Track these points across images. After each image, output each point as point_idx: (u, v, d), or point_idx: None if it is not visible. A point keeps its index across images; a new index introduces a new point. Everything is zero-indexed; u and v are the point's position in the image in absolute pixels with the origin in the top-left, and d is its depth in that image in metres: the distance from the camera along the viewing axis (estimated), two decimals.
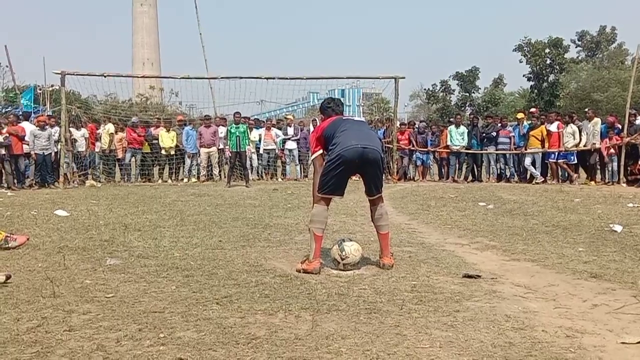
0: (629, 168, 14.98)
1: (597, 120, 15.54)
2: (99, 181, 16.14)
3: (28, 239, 6.23)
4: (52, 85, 27.40)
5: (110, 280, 4.52)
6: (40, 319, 3.49)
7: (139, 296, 4.03)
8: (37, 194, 12.88)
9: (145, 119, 19.81)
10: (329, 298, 3.97)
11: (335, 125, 4.99)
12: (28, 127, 15.23)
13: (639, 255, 5.50)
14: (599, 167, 15.39)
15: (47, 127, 15.00)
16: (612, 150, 14.88)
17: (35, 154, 14.67)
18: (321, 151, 5.04)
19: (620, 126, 15.23)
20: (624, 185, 14.40)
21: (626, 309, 3.73)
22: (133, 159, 16.90)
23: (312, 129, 18.11)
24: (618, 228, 7.01)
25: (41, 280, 4.48)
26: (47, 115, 17.10)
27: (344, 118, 5.19)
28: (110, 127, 16.76)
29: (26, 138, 14.75)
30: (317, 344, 3.05)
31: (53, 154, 15.00)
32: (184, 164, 17.17)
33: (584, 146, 15.19)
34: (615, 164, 14.90)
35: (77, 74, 15.96)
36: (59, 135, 15.14)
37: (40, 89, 28.68)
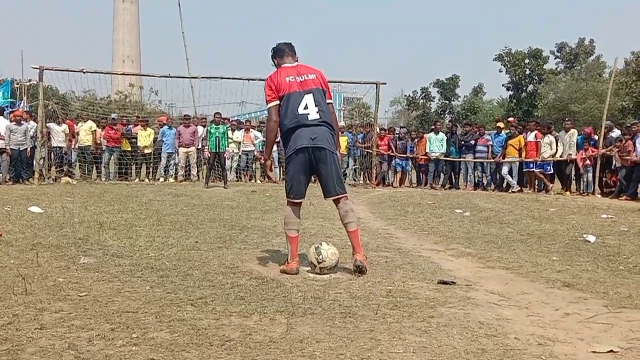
0: (603, 179, 15.21)
1: (574, 131, 15.76)
2: (75, 178, 15.96)
3: (1, 235, 6.16)
4: (29, 80, 27.05)
5: (84, 278, 4.47)
6: (11, 316, 3.44)
7: (112, 295, 3.99)
8: (11, 190, 12.71)
9: (124, 116, 19.65)
10: (304, 301, 3.97)
11: (285, 96, 4.94)
12: (2, 122, 15.03)
13: (611, 266, 5.58)
14: (574, 177, 15.60)
15: (23, 122, 14.81)
16: (587, 162, 15.09)
17: (11, 149, 14.48)
18: (277, 102, 4.97)
19: (596, 137, 15.45)
20: (599, 196, 14.60)
21: (597, 319, 3.77)
22: (112, 157, 16.75)
23: None
24: (591, 238, 7.11)
25: (13, 277, 4.41)
26: (24, 111, 16.88)
27: (295, 83, 4.97)
28: (93, 125, 16.60)
29: (1, 133, 14.55)
30: (291, 347, 3.04)
31: (29, 149, 14.82)
32: (160, 163, 17.07)
33: (560, 157, 15.38)
34: (590, 174, 15.12)
35: (55, 69, 15.79)
36: (36, 130, 14.96)
37: (17, 83, 28.30)
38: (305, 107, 4.88)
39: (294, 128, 4.86)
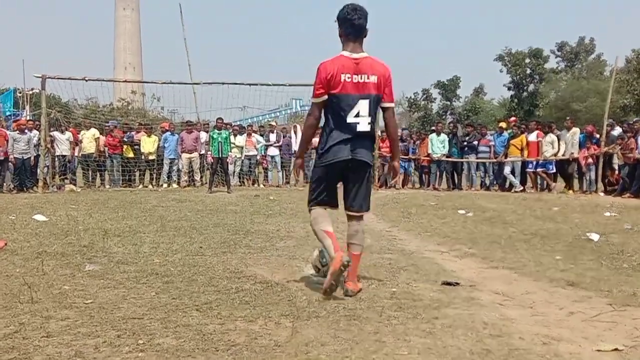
0: (607, 178, 15.20)
1: (576, 130, 15.76)
2: (79, 186, 16.00)
3: (6, 244, 6.18)
4: (32, 89, 27.13)
5: (89, 286, 4.48)
6: (18, 324, 3.46)
7: (118, 302, 4.00)
8: (16, 198, 12.75)
9: (126, 123, 19.70)
10: (309, 305, 3.98)
11: (337, 97, 4.21)
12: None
13: (615, 264, 5.58)
14: (577, 176, 15.59)
15: (26, 131, 14.86)
16: (590, 160, 15.08)
17: (15, 158, 14.52)
18: (325, 98, 4.25)
19: (598, 136, 15.45)
20: (602, 194, 14.59)
21: (602, 317, 3.78)
22: (112, 164, 16.81)
23: (294, 135, 18.16)
24: (595, 237, 7.10)
25: (19, 285, 4.43)
26: (27, 119, 16.95)
27: (351, 84, 4.20)
28: (96, 132, 16.66)
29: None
30: (296, 350, 3.05)
31: (32, 158, 14.86)
32: (162, 169, 17.11)
33: (563, 155, 15.37)
34: (593, 173, 15.11)
35: (58, 78, 15.86)
36: (39, 139, 15.01)
37: (19, 92, 28.38)
38: (357, 115, 4.20)
39: (338, 136, 4.22)
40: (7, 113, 21.82)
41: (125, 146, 16.86)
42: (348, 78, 4.17)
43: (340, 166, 4.26)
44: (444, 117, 48.43)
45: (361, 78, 4.19)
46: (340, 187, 4.47)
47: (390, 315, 3.73)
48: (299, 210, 10.22)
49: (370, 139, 4.34)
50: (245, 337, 3.26)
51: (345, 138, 4.21)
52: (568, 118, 17.59)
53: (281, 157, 17.89)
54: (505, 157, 16.02)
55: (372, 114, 4.25)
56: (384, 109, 4.40)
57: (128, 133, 17.43)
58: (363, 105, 4.20)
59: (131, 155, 16.94)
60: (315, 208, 4.43)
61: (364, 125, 4.22)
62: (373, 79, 4.21)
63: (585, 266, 5.46)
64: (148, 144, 16.89)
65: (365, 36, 4.29)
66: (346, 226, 4.50)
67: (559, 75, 46.67)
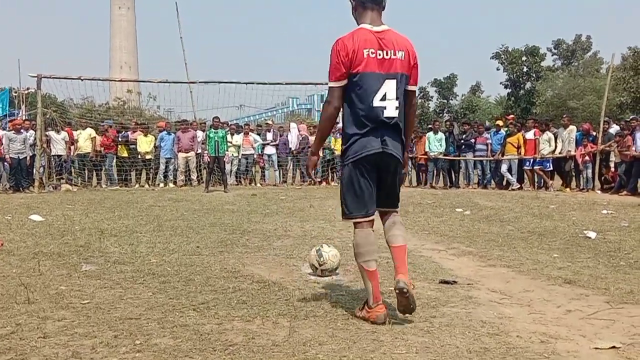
0: (603, 176, 15.22)
1: (573, 127, 15.77)
2: (75, 185, 15.97)
3: (2, 244, 6.16)
4: (27, 88, 27.05)
5: (86, 286, 4.47)
6: (15, 325, 3.45)
7: (114, 302, 3.99)
8: (12, 198, 12.72)
9: (121, 123, 19.66)
10: (306, 304, 3.97)
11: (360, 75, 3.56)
12: None
13: (613, 262, 5.59)
14: (574, 174, 15.60)
15: (22, 130, 14.82)
16: (586, 158, 15.09)
17: (10, 158, 14.49)
18: (345, 82, 3.60)
19: (595, 133, 15.47)
20: (599, 192, 14.61)
21: (599, 315, 3.78)
22: (106, 163, 16.79)
23: (290, 134, 18.14)
24: (592, 234, 7.11)
25: (15, 286, 4.42)
26: (23, 119, 16.91)
27: (375, 60, 3.57)
28: (92, 132, 16.63)
29: None
30: (294, 350, 3.05)
31: (28, 158, 14.83)
32: (159, 168, 17.07)
33: (560, 153, 15.39)
34: (589, 171, 15.12)
35: (53, 77, 15.83)
36: (35, 139, 14.97)
37: (15, 92, 28.30)
38: (383, 98, 3.57)
39: (363, 125, 3.58)
40: (3, 113, 21.74)
41: (119, 145, 16.81)
42: (372, 54, 3.53)
43: (372, 160, 3.59)
44: (441, 115, 48.49)
45: (386, 54, 3.56)
46: None
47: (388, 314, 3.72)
48: (296, 209, 10.22)
49: (399, 127, 3.66)
50: (242, 336, 3.26)
51: (373, 127, 3.56)
52: (565, 116, 17.61)
53: (278, 156, 17.88)
54: (502, 155, 16.02)
55: (400, 96, 3.62)
56: (408, 93, 3.73)
57: (123, 132, 17.38)
58: (390, 86, 3.57)
59: (125, 154, 16.88)
60: (361, 229, 3.72)
61: (391, 110, 3.58)
62: (400, 55, 3.59)
63: (583, 264, 5.47)
64: (144, 144, 16.85)
65: (384, 7, 3.72)
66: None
67: (556, 73, 46.72)
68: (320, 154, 18.13)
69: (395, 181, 3.82)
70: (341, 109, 3.69)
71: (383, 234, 3.88)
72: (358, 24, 3.68)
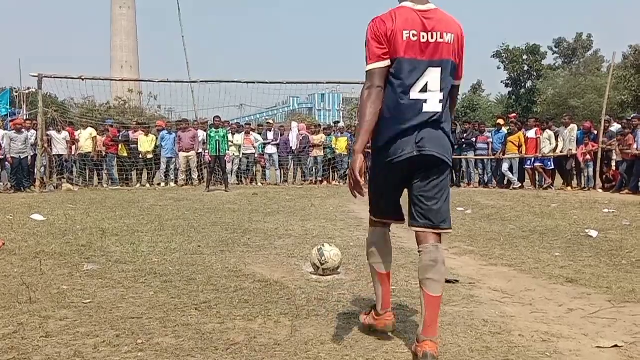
0: (604, 174, 15.21)
1: (574, 126, 15.75)
2: (76, 184, 15.98)
3: (4, 244, 6.17)
4: (28, 88, 27.06)
5: (88, 285, 4.48)
6: (17, 325, 3.45)
7: (116, 302, 3.99)
8: (13, 198, 12.72)
9: (122, 122, 19.67)
10: (308, 303, 3.97)
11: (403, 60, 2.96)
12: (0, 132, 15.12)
13: (614, 260, 5.58)
14: (575, 172, 15.59)
15: (23, 130, 14.83)
16: (588, 157, 15.08)
17: (12, 157, 14.50)
18: (387, 62, 2.98)
19: (596, 132, 15.46)
20: (600, 190, 14.60)
21: (601, 314, 3.78)
22: (107, 163, 16.80)
23: (292, 133, 18.14)
24: (594, 233, 7.11)
25: (17, 285, 4.42)
26: (24, 119, 16.92)
27: (418, 44, 2.96)
28: (93, 131, 16.63)
29: None
30: (296, 349, 3.05)
31: (29, 157, 14.84)
32: (159, 168, 17.07)
33: (561, 152, 15.38)
34: (591, 169, 15.11)
35: (54, 77, 15.83)
36: (36, 138, 14.98)
37: (16, 92, 28.31)
38: (424, 89, 2.98)
39: (398, 121, 2.98)
40: (4, 112, 21.77)
41: (120, 145, 16.80)
42: (414, 36, 2.94)
43: (402, 167, 3.03)
44: None
45: (432, 37, 2.96)
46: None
47: None
48: (297, 209, 10.22)
49: (443, 125, 3.04)
50: (244, 336, 3.26)
51: (409, 126, 2.97)
52: (566, 114, 17.60)
53: (279, 155, 17.87)
54: (503, 154, 16.02)
55: (445, 88, 3.02)
56: (454, 87, 3.13)
57: (123, 132, 17.38)
58: (433, 76, 2.98)
59: (125, 154, 16.87)
60: (375, 227, 3.34)
61: (433, 104, 2.98)
62: (448, 38, 2.99)
63: (584, 263, 5.46)
64: (146, 143, 16.86)
65: None
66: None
67: (557, 72, 46.74)
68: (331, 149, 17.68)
69: (437, 191, 3.06)
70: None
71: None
72: (400, 2, 3.08)
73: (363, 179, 2.98)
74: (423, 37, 2.95)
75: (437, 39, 2.97)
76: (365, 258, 5.48)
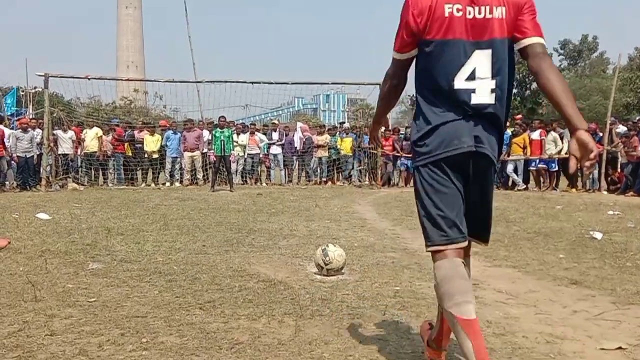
0: (609, 176, 15.17)
1: None
2: (82, 183, 16.02)
3: (9, 242, 6.19)
4: (34, 88, 27.18)
5: (93, 284, 4.49)
6: (22, 323, 3.47)
7: (121, 301, 4.01)
8: (19, 197, 12.76)
9: (128, 122, 19.71)
10: (312, 303, 3.98)
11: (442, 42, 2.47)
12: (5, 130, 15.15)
13: (619, 262, 5.57)
14: (580, 174, 15.54)
15: (29, 129, 14.88)
16: None
17: (17, 156, 14.55)
18: (414, 53, 2.59)
19: (601, 134, 15.42)
20: (605, 192, 14.56)
21: (605, 316, 3.77)
22: (113, 162, 16.85)
23: (296, 134, 18.16)
24: (598, 235, 7.09)
25: (22, 284, 4.44)
26: (30, 118, 16.99)
27: (462, 20, 2.46)
28: (98, 131, 16.68)
29: (4, 140, 14.62)
30: (300, 349, 3.06)
31: (35, 156, 14.89)
32: (164, 168, 17.10)
33: (566, 154, 15.34)
34: (596, 171, 15.07)
35: (60, 76, 15.89)
36: (42, 137, 15.04)
37: (22, 91, 28.43)
38: (471, 77, 2.48)
39: (440, 116, 2.52)
40: (11, 112, 21.85)
41: (125, 144, 16.85)
42: (458, 11, 2.44)
43: (458, 161, 2.50)
44: None
45: (479, 11, 2.45)
46: None
47: (394, 314, 3.74)
48: (301, 209, 10.23)
49: (497, 118, 2.54)
50: (248, 335, 3.27)
51: (455, 120, 2.49)
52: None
53: (283, 156, 17.88)
54: (508, 156, 15.99)
55: (499, 74, 2.50)
56: (527, 49, 2.49)
57: (129, 131, 17.43)
58: (481, 60, 2.47)
59: (130, 153, 16.91)
60: (443, 259, 2.51)
61: (482, 95, 2.48)
62: (498, 12, 2.46)
63: (589, 265, 5.45)
64: (151, 143, 16.90)
65: None
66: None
67: (562, 73, 46.43)
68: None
69: (488, 197, 2.68)
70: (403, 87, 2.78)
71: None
72: None
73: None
74: (469, 13, 2.45)
75: (485, 14, 2.46)
76: (369, 258, 5.56)
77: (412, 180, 3.21)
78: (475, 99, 2.47)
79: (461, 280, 2.44)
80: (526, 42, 2.48)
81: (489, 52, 2.47)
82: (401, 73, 2.70)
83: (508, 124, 14.99)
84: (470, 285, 2.50)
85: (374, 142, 3.31)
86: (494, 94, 2.49)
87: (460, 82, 2.47)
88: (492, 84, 2.49)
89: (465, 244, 2.56)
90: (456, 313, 2.36)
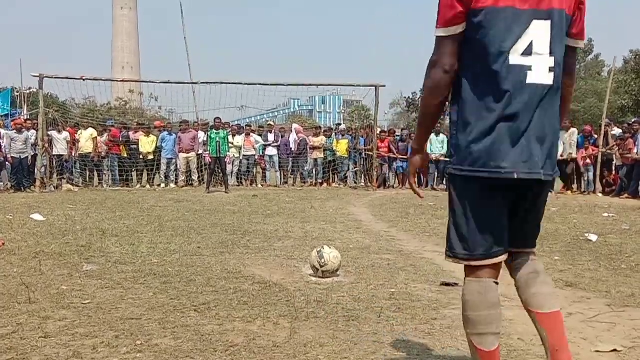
0: (604, 179, 15.22)
1: (574, 130, 15.78)
2: (77, 185, 15.98)
3: (3, 244, 6.16)
4: (29, 88, 27.11)
5: (87, 286, 4.47)
6: (16, 325, 3.45)
7: (116, 303, 3.99)
8: (13, 198, 12.72)
9: (123, 123, 19.67)
10: (307, 305, 3.97)
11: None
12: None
13: (614, 265, 5.58)
14: (575, 176, 15.60)
15: (24, 130, 14.84)
16: (588, 161, 15.09)
17: (12, 157, 14.51)
18: (463, 26, 2.13)
19: (596, 136, 15.47)
20: (600, 195, 14.61)
21: (600, 318, 3.78)
22: (110, 164, 16.81)
23: (292, 135, 18.16)
24: (593, 237, 7.10)
25: (17, 285, 4.42)
26: (25, 119, 16.94)
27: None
28: (93, 132, 16.63)
29: None
30: (295, 351, 3.05)
31: (30, 157, 14.85)
32: (159, 169, 17.07)
33: (561, 156, 15.38)
34: (591, 173, 15.12)
35: (55, 77, 15.85)
36: (36, 138, 14.99)
37: (17, 92, 28.35)
38: (528, 52, 2.10)
39: (490, 105, 2.09)
40: (5, 112, 21.79)
41: (120, 146, 16.81)
42: None
43: (509, 182, 2.12)
44: (442, 117, 48.42)
45: None
46: None
47: (389, 316, 3.73)
48: (297, 211, 10.22)
49: (556, 103, 2.19)
50: (243, 337, 3.26)
51: (511, 112, 2.06)
52: (566, 118, 17.58)
53: (279, 157, 17.87)
54: None
55: (557, 50, 2.14)
56: (570, 50, 2.25)
57: (124, 132, 17.39)
58: (540, 32, 2.10)
59: (125, 154, 16.87)
60: (474, 278, 2.32)
61: (540, 73, 2.10)
62: None
63: (584, 267, 5.46)
64: (146, 144, 16.86)
65: None
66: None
67: None
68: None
69: (543, 206, 2.41)
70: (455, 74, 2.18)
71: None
72: None
73: (417, 184, 2.55)
74: None
75: None
76: (364, 260, 5.56)
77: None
78: (531, 78, 2.09)
79: (488, 311, 2.25)
80: (573, 43, 2.26)
81: (547, 23, 2.10)
82: (453, 55, 2.14)
83: None
84: (498, 313, 2.29)
85: (415, 189, 2.48)
86: (552, 74, 2.12)
87: (515, 57, 2.07)
88: (550, 61, 2.12)
89: (505, 257, 2.31)
90: (477, 344, 2.23)
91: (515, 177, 2.09)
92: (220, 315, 3.69)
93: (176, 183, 16.91)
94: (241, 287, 4.48)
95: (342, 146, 17.82)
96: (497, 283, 2.33)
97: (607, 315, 3.84)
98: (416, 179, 2.47)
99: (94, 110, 24.13)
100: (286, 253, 5.99)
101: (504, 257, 2.30)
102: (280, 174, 18.18)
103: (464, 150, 2.15)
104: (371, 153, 16.76)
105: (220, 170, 15.27)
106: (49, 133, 15.62)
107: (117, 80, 26.97)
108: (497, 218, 2.22)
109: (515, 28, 2.07)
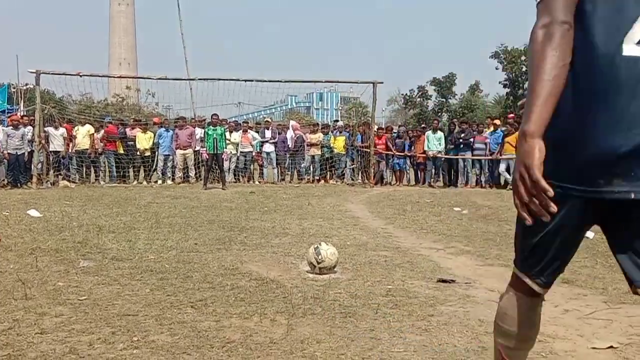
0: None
1: None
2: (73, 181, 15.95)
3: (0, 240, 6.15)
4: (26, 84, 27.03)
5: (84, 282, 4.47)
6: (12, 321, 3.44)
7: (112, 299, 3.99)
8: (10, 194, 12.70)
9: (120, 119, 19.63)
10: (304, 302, 3.97)
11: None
12: None
13: (610, 262, 5.58)
14: None
15: (20, 126, 14.81)
16: None
17: (8, 153, 14.48)
18: None
19: None
20: None
21: (597, 315, 3.79)
22: (106, 160, 16.78)
23: (290, 132, 18.15)
24: (590, 234, 7.08)
25: (13, 282, 4.41)
26: (21, 115, 16.90)
27: None
28: (90, 128, 16.59)
29: None
30: (292, 347, 3.05)
31: (26, 153, 14.81)
32: (156, 165, 17.04)
33: None
34: None
35: (52, 73, 15.81)
36: (33, 134, 14.96)
37: (14, 88, 28.27)
38: None
39: (596, 105, 1.58)
40: (1, 108, 21.73)
41: (117, 142, 16.76)
42: None
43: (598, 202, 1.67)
44: (439, 114, 48.50)
45: None
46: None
47: (386, 313, 3.73)
48: (294, 207, 10.21)
49: None
50: (240, 334, 3.26)
51: (623, 115, 1.55)
52: None
53: (276, 154, 17.85)
54: (500, 155, 16.04)
55: None
56: None
57: (120, 129, 17.35)
58: None
59: (121, 151, 16.83)
60: (513, 292, 2.01)
61: None
62: None
63: (580, 264, 5.46)
64: (143, 141, 16.83)
65: None
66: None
67: None
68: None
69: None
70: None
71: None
72: None
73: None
74: None
75: None
76: (361, 257, 5.56)
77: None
78: None
79: (526, 330, 1.99)
80: None
81: None
82: (568, 12, 1.59)
83: (499, 122, 14.99)
84: (534, 332, 2.03)
85: (539, 190, 1.53)
86: None
87: (630, 47, 1.56)
88: None
89: (543, 289, 1.99)
90: (505, 355, 2.05)
91: (620, 196, 1.63)
92: (217, 312, 3.69)
93: (173, 180, 16.87)
94: (238, 283, 4.48)
95: (339, 143, 17.81)
96: (539, 306, 2.07)
97: (603, 312, 3.85)
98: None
99: (91, 107, 24.07)
100: (283, 250, 5.99)
101: (546, 287, 2.06)
102: (278, 171, 18.16)
103: (550, 148, 1.62)
104: (368, 150, 16.74)
105: (217, 167, 15.25)
106: (46, 129, 15.57)
107: (114, 77, 26.95)
108: (561, 247, 1.96)
109: (630, 10, 1.58)
